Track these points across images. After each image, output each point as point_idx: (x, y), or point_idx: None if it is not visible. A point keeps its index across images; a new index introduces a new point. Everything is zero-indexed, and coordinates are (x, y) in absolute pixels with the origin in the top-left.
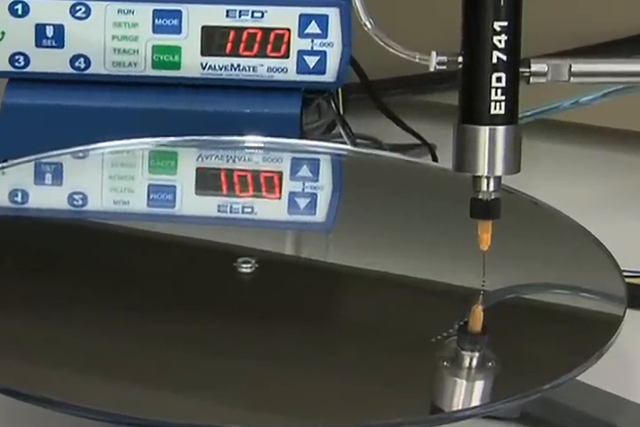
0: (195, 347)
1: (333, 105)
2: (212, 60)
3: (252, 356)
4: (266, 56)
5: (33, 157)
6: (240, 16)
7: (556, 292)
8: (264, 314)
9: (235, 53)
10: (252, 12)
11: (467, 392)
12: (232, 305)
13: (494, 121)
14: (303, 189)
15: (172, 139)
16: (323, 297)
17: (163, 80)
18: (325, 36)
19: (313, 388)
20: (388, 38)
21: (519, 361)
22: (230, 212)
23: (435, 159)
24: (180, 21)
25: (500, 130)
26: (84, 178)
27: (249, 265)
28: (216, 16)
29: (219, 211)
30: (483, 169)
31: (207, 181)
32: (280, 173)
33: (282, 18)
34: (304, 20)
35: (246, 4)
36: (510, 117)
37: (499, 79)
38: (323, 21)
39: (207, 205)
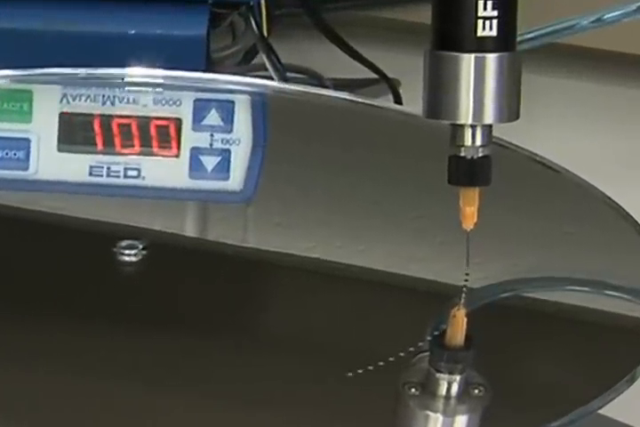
0: (45, 366)
1: (254, 24)
2: None
3: (128, 381)
4: None
5: None
6: None
7: (570, 289)
8: (153, 321)
9: None
10: None
11: None
12: (109, 307)
13: (483, 47)
14: (211, 144)
15: (26, 72)
16: (238, 296)
17: None
18: None
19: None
20: None
21: (517, 388)
22: (108, 176)
23: (398, 101)
24: None
25: (491, 59)
26: None
27: (134, 251)
28: None
29: (91, 174)
30: (466, 115)
31: (75, 133)
32: (178, 121)
33: None
34: None
35: None
36: (505, 42)
37: None
38: None
39: (75, 167)
